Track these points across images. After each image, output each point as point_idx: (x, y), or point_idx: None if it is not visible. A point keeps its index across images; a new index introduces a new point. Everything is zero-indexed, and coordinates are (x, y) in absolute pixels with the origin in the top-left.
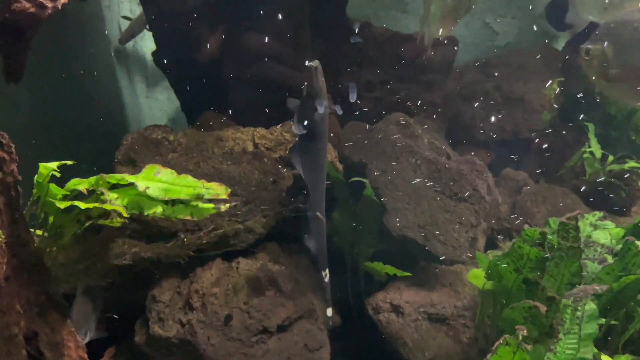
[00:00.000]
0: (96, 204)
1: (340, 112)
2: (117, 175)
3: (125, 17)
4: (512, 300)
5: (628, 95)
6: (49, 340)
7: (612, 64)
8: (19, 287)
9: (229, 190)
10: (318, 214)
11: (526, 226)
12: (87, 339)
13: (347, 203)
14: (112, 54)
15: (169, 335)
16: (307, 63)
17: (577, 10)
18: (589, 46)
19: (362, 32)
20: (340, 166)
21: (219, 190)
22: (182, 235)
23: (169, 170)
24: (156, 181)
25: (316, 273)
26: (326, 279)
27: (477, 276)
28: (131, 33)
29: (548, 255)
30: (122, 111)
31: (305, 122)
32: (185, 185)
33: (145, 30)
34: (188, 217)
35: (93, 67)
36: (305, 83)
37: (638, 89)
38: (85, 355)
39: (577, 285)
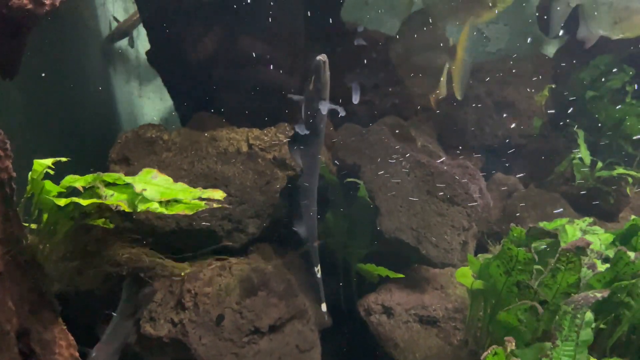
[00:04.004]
0: (95, 199)
1: (343, 113)
2: (114, 175)
3: (115, 19)
4: (502, 302)
5: (413, 83)
6: (40, 338)
7: (404, 58)
8: (11, 284)
9: (224, 195)
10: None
11: (512, 225)
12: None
13: (341, 205)
14: (106, 52)
15: (160, 335)
16: (316, 57)
17: (588, 25)
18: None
19: (356, 36)
20: (334, 168)
21: (215, 194)
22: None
23: (165, 176)
24: (153, 184)
25: (308, 269)
26: (318, 275)
27: (464, 275)
28: (122, 32)
29: (535, 257)
30: (115, 110)
31: (311, 114)
32: (181, 190)
33: (133, 31)
34: (182, 212)
35: (87, 65)
36: (312, 77)
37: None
38: (77, 354)
39: (572, 295)
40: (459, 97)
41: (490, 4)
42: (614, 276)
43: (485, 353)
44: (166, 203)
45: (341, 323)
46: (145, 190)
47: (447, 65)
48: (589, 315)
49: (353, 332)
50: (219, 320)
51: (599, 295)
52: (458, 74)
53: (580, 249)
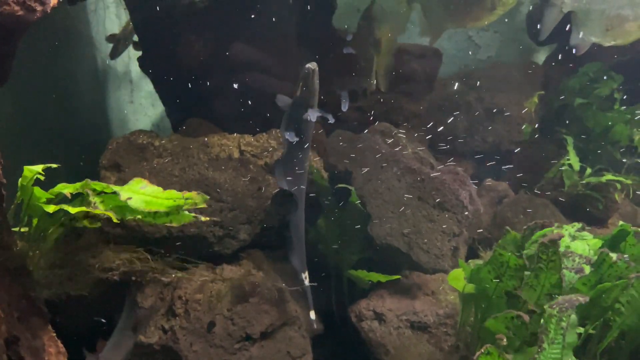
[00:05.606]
0: (84, 208)
1: (332, 120)
2: (102, 184)
3: (112, 36)
4: (492, 307)
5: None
6: (29, 345)
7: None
8: (0, 291)
9: (207, 197)
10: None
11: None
12: None
13: (332, 210)
14: (97, 58)
15: (151, 342)
16: (306, 65)
17: (581, 32)
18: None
19: (348, 43)
20: (325, 174)
21: (197, 199)
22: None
23: (155, 187)
24: (140, 193)
25: (296, 276)
26: (306, 282)
27: (457, 278)
28: (120, 46)
29: (527, 263)
30: (106, 116)
31: (296, 121)
32: (166, 198)
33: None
34: (168, 224)
35: (77, 71)
36: (300, 84)
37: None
38: None
39: (556, 296)
40: (383, 90)
41: (490, 7)
42: (599, 278)
43: (479, 353)
44: (154, 213)
45: (332, 329)
46: (130, 199)
47: (375, 60)
48: (574, 318)
49: (344, 338)
50: (210, 327)
51: (582, 299)
52: (383, 68)
53: (554, 242)
